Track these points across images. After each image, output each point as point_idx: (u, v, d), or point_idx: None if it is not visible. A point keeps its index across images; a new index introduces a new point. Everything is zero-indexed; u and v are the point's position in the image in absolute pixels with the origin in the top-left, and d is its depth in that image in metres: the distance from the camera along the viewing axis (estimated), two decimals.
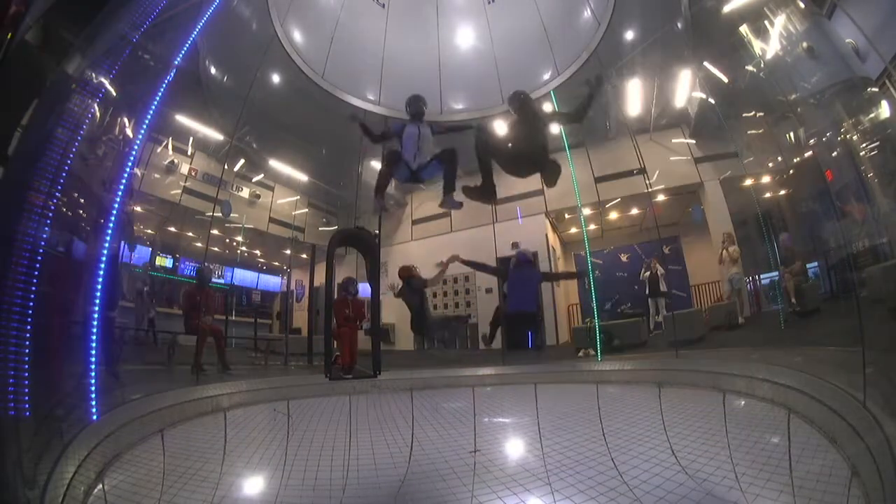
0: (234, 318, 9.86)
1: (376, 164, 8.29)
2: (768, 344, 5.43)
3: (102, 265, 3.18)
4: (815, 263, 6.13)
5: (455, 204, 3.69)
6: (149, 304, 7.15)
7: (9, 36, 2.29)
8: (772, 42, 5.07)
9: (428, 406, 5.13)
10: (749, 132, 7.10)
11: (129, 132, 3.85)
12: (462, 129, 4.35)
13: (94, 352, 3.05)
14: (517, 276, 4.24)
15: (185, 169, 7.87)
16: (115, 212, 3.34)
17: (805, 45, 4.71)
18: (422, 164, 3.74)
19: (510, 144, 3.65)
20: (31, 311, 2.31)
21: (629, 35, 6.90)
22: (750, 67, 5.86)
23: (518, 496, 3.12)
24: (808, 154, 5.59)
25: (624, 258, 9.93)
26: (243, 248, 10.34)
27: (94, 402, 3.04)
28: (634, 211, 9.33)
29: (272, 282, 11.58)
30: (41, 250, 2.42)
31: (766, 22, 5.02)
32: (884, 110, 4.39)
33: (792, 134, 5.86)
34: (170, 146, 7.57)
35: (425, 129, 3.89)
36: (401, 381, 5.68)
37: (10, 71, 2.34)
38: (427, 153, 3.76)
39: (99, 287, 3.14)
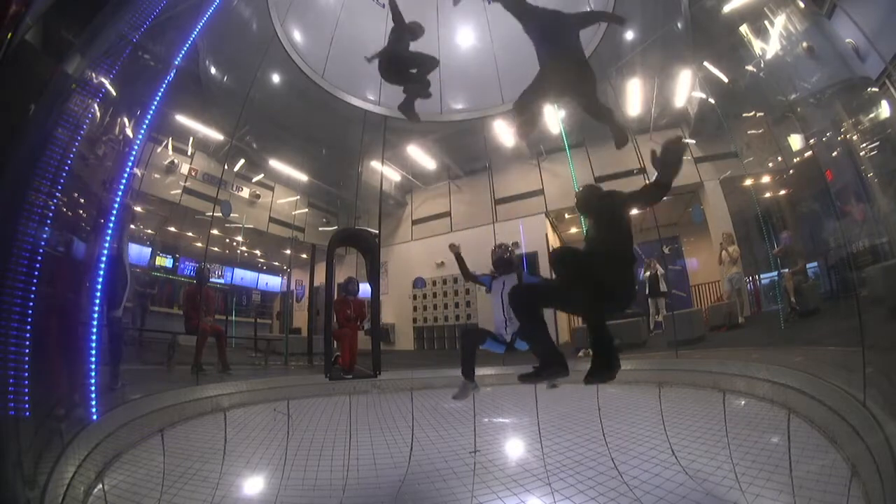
0: (234, 318, 9.87)
1: (377, 165, 8.31)
2: (768, 344, 5.42)
3: (102, 265, 3.18)
4: (815, 263, 6.13)
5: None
6: (142, 303, 7.13)
7: (9, 36, 2.29)
8: (772, 42, 5.06)
9: (428, 406, 5.13)
10: (749, 132, 7.10)
11: (129, 132, 3.84)
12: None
13: (94, 352, 3.05)
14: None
15: (185, 169, 7.88)
16: (115, 212, 3.35)
17: (805, 45, 4.70)
18: (517, 332, 3.14)
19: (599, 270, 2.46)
20: (31, 311, 2.31)
21: (629, 35, 6.90)
22: (750, 67, 5.85)
23: (518, 496, 3.12)
24: (808, 154, 5.58)
25: None
26: (243, 248, 10.34)
27: (94, 402, 3.04)
28: (634, 211, 9.29)
29: (272, 282, 11.58)
30: (41, 250, 2.42)
31: (766, 22, 5.02)
32: (884, 110, 4.39)
33: (792, 134, 5.86)
34: (170, 146, 7.57)
35: (514, 283, 3.23)
36: (401, 381, 5.68)
37: (10, 71, 2.34)
38: None
39: (99, 287, 3.14)
